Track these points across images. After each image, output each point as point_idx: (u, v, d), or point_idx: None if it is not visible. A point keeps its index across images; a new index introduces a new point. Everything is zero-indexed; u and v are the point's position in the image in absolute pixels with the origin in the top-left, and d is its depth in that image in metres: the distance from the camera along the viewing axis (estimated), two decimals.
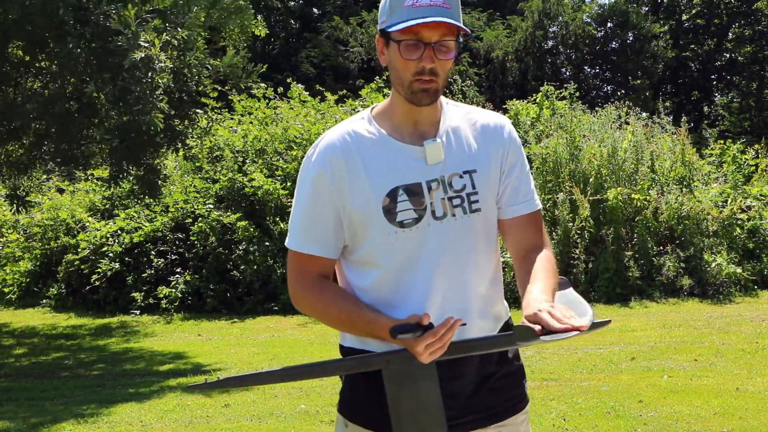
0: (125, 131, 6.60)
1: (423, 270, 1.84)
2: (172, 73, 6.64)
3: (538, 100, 12.89)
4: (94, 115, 7.18)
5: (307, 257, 1.89)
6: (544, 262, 1.88)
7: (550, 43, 24.98)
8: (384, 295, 1.86)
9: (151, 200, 9.11)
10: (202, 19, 6.80)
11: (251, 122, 11.82)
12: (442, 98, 1.95)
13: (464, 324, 1.76)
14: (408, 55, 1.79)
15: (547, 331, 1.60)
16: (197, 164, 11.48)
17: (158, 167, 7.76)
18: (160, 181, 7.84)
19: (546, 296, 1.75)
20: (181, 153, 10.21)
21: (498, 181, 1.92)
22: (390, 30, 1.81)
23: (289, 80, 12.99)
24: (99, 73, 6.47)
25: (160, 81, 6.26)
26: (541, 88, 13.08)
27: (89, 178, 11.33)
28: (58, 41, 6.36)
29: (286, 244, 1.94)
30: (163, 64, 6.22)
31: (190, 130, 7.86)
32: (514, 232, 1.93)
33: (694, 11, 27.05)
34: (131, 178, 8.37)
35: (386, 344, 1.85)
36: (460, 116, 1.94)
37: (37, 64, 7.46)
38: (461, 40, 1.87)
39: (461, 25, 1.79)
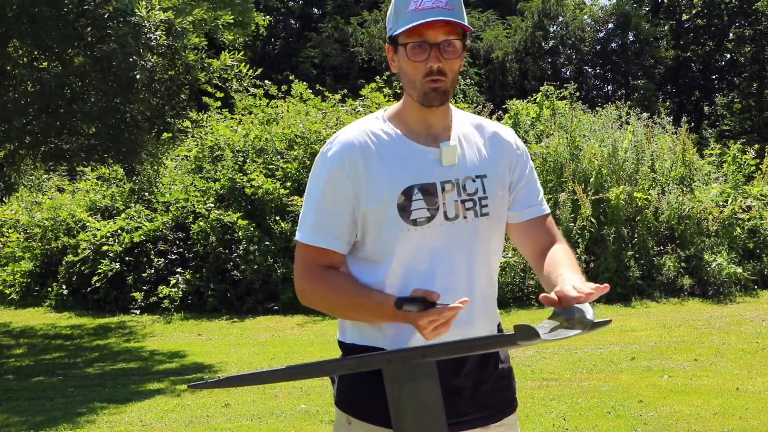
0: (107, 115, 6.55)
1: (431, 268, 1.88)
2: (161, 50, 6.61)
3: (538, 100, 12.87)
4: (76, 104, 7.11)
5: (318, 251, 1.91)
6: (566, 252, 1.95)
7: (551, 43, 24.99)
8: (392, 292, 1.87)
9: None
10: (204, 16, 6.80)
11: (252, 122, 11.81)
12: (450, 105, 1.98)
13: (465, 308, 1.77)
14: (414, 57, 1.84)
15: (545, 329, 1.60)
16: (197, 164, 11.47)
17: (139, 151, 7.66)
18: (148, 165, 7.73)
19: (578, 276, 1.79)
20: (180, 149, 10.13)
21: (507, 188, 1.98)
22: (395, 34, 1.85)
23: (291, 77, 12.95)
24: (89, 46, 6.46)
25: (150, 57, 6.23)
26: (541, 88, 13.05)
27: (85, 174, 11.29)
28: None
29: (297, 238, 1.95)
30: (153, 36, 6.19)
31: (180, 124, 7.80)
32: (529, 235, 2.00)
33: (694, 11, 27.03)
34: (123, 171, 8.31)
35: (386, 337, 1.87)
36: (467, 124, 2.00)
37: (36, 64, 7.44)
38: (468, 41, 1.91)
39: (464, 23, 1.84)
